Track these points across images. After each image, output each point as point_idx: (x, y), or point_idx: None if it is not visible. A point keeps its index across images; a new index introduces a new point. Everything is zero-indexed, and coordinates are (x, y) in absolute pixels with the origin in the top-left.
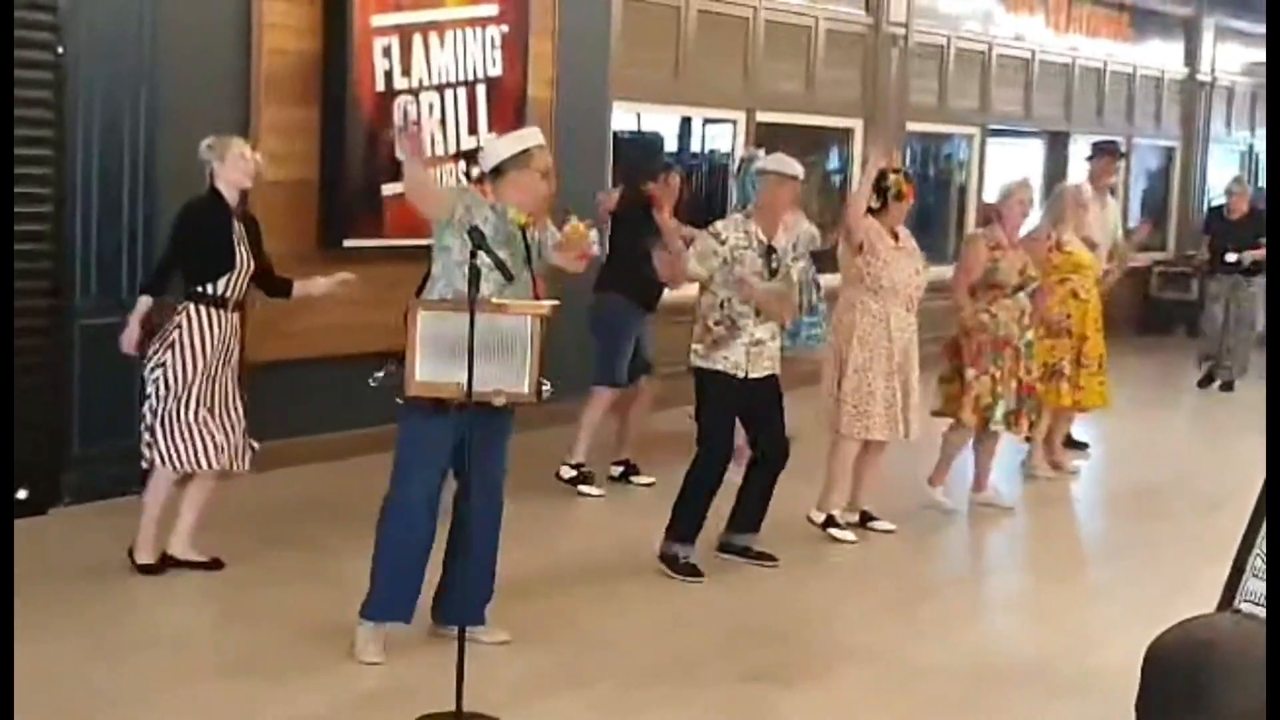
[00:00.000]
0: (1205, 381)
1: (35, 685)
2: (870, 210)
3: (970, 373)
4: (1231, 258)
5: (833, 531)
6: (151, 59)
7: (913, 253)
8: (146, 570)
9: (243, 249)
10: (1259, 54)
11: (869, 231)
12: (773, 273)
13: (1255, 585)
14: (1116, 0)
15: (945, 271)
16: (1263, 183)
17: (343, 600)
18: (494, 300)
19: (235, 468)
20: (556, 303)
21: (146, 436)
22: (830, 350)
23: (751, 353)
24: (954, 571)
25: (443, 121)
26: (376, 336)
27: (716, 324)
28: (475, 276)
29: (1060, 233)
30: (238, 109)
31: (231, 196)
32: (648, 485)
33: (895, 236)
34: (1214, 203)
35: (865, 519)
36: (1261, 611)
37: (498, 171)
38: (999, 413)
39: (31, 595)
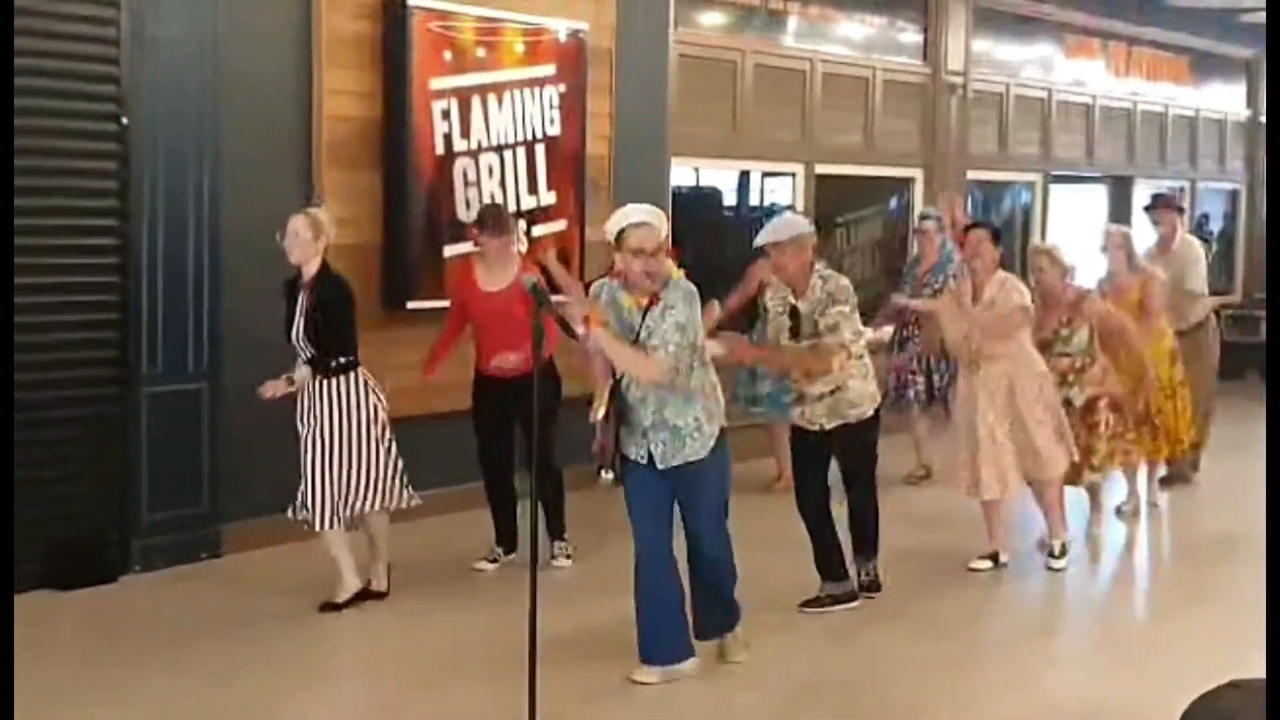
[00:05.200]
0: None
1: None
2: None
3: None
4: None
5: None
6: (214, 128)
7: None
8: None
9: (299, 321)
10: None
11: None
12: (794, 333)
13: None
14: (1176, 43)
15: None
16: None
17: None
18: None
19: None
20: None
21: None
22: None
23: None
24: (1027, 621)
25: (502, 182)
26: (441, 398)
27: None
28: (539, 335)
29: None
30: (300, 175)
31: (305, 271)
32: None
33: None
34: None
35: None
36: None
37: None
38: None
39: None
